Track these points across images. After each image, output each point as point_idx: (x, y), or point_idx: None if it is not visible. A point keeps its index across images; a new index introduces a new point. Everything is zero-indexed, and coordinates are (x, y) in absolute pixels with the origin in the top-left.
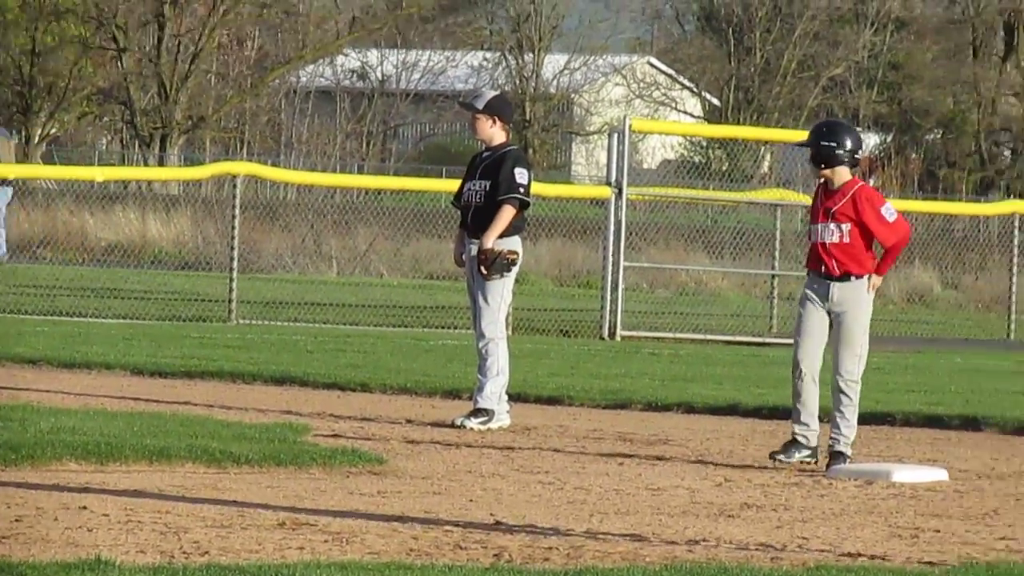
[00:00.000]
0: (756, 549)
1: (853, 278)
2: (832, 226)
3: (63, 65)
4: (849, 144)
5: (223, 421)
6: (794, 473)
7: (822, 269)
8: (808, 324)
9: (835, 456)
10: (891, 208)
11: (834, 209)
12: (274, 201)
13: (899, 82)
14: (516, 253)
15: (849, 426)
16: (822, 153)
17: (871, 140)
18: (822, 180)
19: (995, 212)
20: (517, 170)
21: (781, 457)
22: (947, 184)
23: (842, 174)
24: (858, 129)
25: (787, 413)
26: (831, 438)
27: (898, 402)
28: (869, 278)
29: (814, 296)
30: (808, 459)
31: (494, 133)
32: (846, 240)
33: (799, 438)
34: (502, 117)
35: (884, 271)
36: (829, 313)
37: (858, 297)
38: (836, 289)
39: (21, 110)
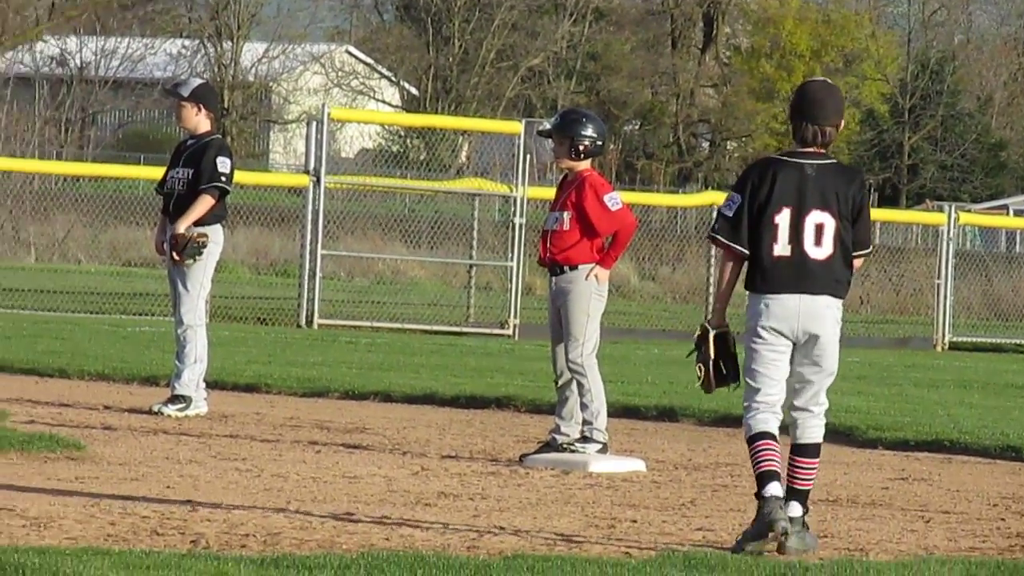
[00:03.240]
0: (453, 536)
1: (568, 269)
2: (556, 214)
3: None
4: (589, 134)
5: None
6: (491, 463)
7: (540, 258)
8: (551, 325)
9: (583, 440)
10: (616, 197)
11: (562, 197)
12: None
13: (597, 73)
14: (206, 236)
15: (592, 413)
16: (563, 143)
17: None
18: (564, 171)
19: (692, 204)
20: (219, 159)
21: (529, 459)
22: (645, 175)
23: (580, 164)
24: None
25: (485, 403)
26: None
27: None
28: (592, 268)
29: (549, 293)
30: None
31: (199, 121)
32: (565, 228)
33: (550, 439)
34: (207, 105)
35: (609, 264)
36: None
37: (576, 288)
38: (554, 282)
39: None
